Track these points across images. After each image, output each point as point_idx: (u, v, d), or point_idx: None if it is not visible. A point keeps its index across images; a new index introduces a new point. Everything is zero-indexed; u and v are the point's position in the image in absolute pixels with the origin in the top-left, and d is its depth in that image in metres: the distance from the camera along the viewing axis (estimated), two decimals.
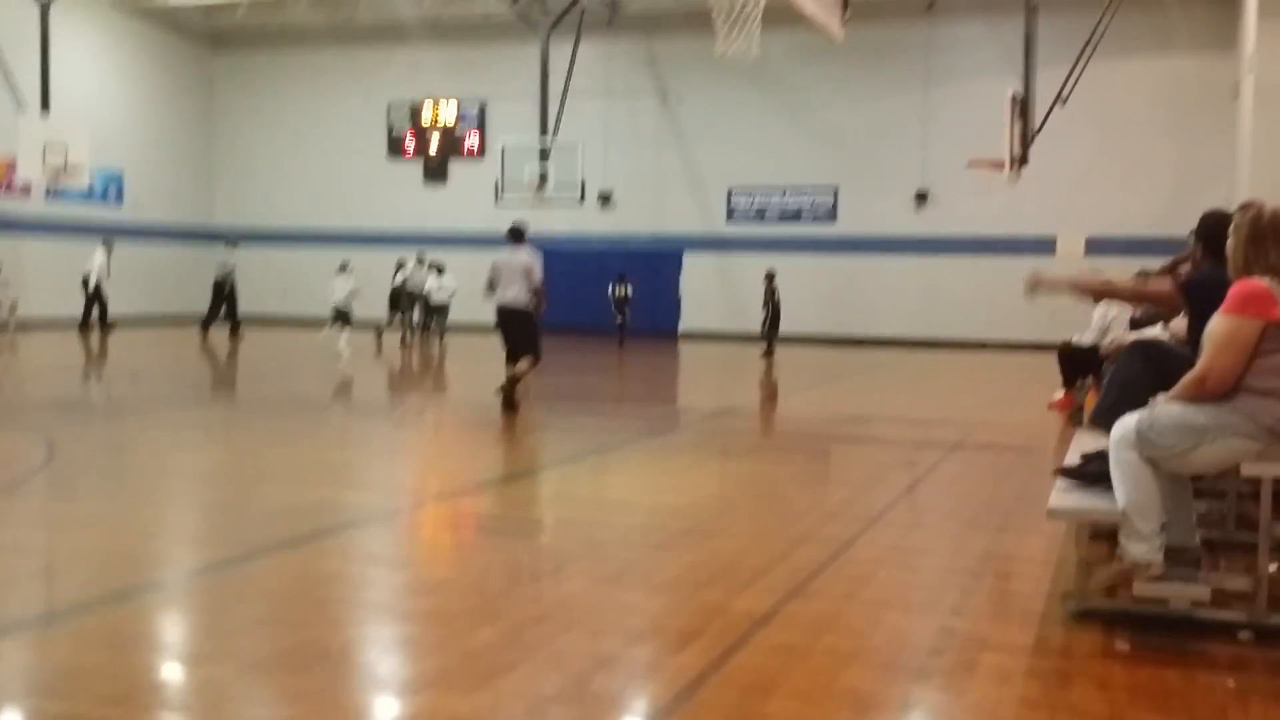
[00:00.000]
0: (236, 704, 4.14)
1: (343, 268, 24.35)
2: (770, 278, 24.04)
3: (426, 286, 26.11)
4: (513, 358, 12.90)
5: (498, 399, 12.61)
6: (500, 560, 6.39)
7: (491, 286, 12.81)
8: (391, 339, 25.75)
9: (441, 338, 26.00)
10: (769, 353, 23.42)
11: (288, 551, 6.38)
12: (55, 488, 8.36)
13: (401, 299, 26.63)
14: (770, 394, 17.34)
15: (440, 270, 26.17)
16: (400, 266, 26.93)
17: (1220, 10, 25.00)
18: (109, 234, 26.80)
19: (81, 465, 9.40)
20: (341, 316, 23.23)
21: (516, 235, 12.92)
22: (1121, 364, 5.91)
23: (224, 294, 26.13)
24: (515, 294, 12.64)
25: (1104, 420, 5.79)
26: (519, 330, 12.78)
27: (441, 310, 26.04)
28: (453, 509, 8.08)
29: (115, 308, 27.49)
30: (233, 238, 27.96)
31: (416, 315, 26.59)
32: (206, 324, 26.02)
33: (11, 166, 26.23)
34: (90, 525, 7.03)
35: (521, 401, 12.81)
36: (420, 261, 26.57)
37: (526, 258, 12.70)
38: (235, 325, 26.06)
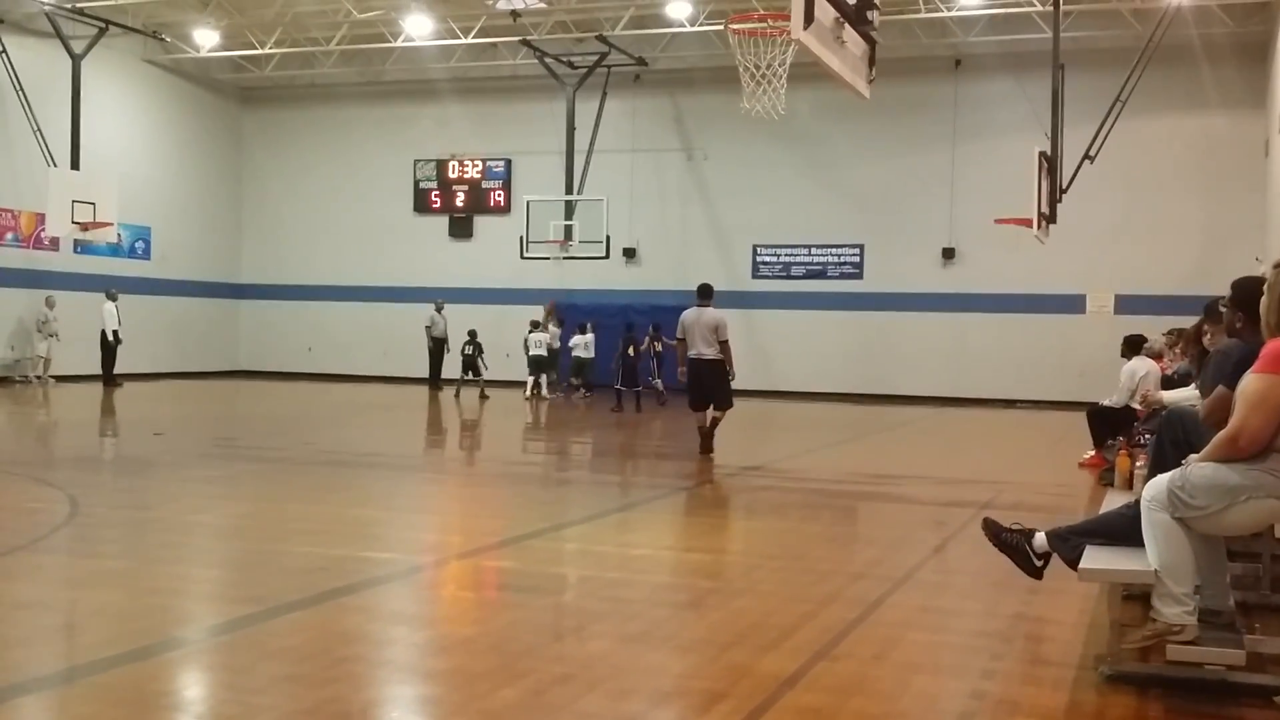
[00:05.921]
0: None
1: (534, 325, 26.09)
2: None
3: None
4: (702, 405, 14.21)
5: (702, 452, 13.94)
6: (523, 619, 6.34)
7: (683, 341, 14.25)
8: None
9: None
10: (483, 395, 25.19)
11: (309, 609, 6.33)
12: (78, 543, 8.34)
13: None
14: (795, 451, 17.24)
15: (584, 328, 26.51)
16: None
17: (1251, 67, 24.94)
18: (113, 287, 26.94)
19: (104, 520, 9.40)
20: (539, 367, 25.52)
21: (705, 293, 14.60)
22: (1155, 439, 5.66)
23: (441, 351, 28.31)
24: (705, 347, 14.05)
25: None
26: (712, 379, 14.11)
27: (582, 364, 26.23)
28: (475, 566, 8.02)
29: (141, 363, 27.81)
30: (439, 301, 28.83)
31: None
32: (435, 381, 28.23)
33: (41, 221, 26.47)
34: (111, 581, 7.01)
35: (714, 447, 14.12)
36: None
37: (713, 315, 14.17)
38: (437, 380, 28.19)
